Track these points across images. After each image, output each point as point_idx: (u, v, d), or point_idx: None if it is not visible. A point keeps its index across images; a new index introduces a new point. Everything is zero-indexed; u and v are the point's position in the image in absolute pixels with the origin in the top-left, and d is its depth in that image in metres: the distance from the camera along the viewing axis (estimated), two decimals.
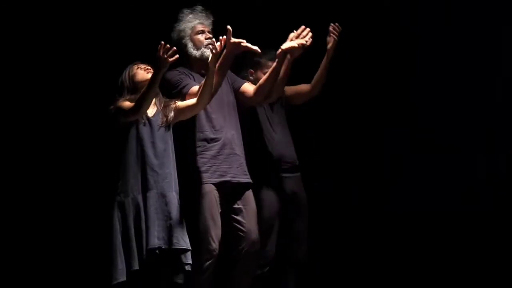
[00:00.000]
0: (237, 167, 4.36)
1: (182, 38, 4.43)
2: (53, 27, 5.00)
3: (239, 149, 4.41)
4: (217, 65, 4.13)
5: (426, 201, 5.33)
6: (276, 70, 4.35)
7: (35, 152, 4.97)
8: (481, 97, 5.30)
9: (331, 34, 4.63)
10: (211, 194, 4.27)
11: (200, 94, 4.17)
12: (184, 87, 4.31)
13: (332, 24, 4.63)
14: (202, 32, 4.44)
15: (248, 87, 4.50)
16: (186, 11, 4.46)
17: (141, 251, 3.99)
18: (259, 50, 4.16)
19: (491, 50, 5.26)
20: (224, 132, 4.35)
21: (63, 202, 4.96)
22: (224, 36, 4.10)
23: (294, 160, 4.73)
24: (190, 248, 4.07)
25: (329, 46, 4.65)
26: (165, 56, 3.96)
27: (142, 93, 4.05)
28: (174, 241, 4.04)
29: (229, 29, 4.12)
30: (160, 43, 3.95)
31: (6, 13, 4.93)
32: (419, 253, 5.33)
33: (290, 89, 4.83)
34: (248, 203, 4.38)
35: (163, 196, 4.09)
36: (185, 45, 4.42)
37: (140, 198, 4.06)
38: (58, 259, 4.90)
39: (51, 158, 4.98)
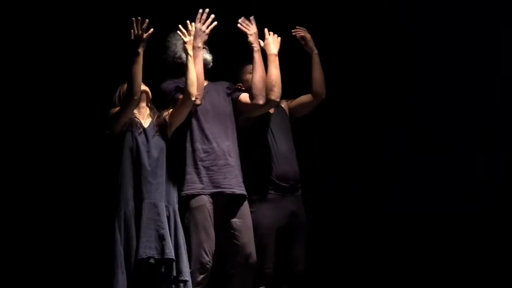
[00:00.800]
0: (233, 178, 4.35)
1: (175, 53, 4.46)
2: (48, 44, 5.02)
3: (234, 160, 4.39)
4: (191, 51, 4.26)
5: (426, 201, 5.32)
6: (257, 63, 4.42)
7: (34, 163, 4.97)
8: (481, 97, 5.30)
9: (298, 37, 4.76)
10: (204, 207, 4.27)
11: (185, 85, 4.22)
12: (177, 92, 4.35)
13: (292, 31, 4.75)
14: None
15: (245, 96, 4.51)
16: (172, 34, 4.49)
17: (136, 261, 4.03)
18: (215, 22, 4.33)
19: (491, 50, 5.26)
20: (217, 143, 4.35)
21: (63, 212, 4.95)
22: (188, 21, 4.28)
23: (296, 178, 4.65)
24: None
25: (306, 47, 4.78)
26: (140, 32, 4.02)
27: (128, 75, 4.07)
28: (167, 251, 4.06)
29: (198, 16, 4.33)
30: (132, 20, 4.04)
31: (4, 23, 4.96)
32: (419, 253, 5.33)
33: (291, 103, 4.84)
34: (243, 216, 4.37)
35: (155, 206, 4.10)
36: (180, 57, 4.44)
37: (136, 208, 4.09)
38: (58, 268, 4.90)
39: (50, 170, 4.98)
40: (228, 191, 4.32)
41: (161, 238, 4.05)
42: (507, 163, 5.19)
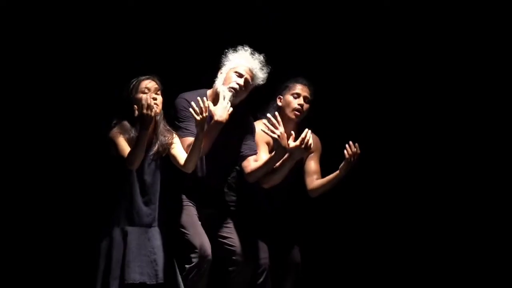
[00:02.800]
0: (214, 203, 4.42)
1: (224, 65, 4.36)
2: (50, 50, 4.98)
3: (221, 198, 4.44)
4: (204, 130, 4.07)
5: None
6: (273, 160, 4.26)
7: (28, 181, 4.95)
8: (481, 97, 5.32)
9: (345, 152, 4.45)
10: (187, 208, 4.30)
11: (188, 158, 4.12)
12: (183, 129, 4.26)
13: (350, 142, 4.46)
14: (240, 75, 4.31)
15: (248, 164, 4.38)
16: (249, 49, 4.37)
17: (122, 285, 4.04)
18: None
19: (491, 50, 5.27)
20: (208, 180, 4.32)
21: (53, 230, 4.94)
22: (206, 104, 4.06)
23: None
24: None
25: (341, 165, 4.49)
26: (149, 112, 3.96)
27: (133, 151, 4.02)
28: (160, 275, 4.10)
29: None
30: (141, 104, 3.96)
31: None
32: (418, 253, 5.36)
33: (309, 165, 4.66)
34: (230, 220, 4.43)
35: (146, 231, 4.13)
36: (221, 73, 4.35)
37: (125, 232, 4.09)
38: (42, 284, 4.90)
39: (44, 189, 4.95)
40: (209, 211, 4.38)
41: (153, 263, 4.10)
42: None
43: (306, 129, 4.25)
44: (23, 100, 4.94)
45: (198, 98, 4.05)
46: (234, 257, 4.36)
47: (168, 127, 4.23)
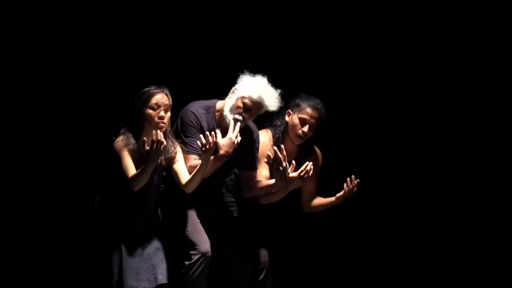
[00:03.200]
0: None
1: (237, 89, 4.29)
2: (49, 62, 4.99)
3: (221, 197, 4.49)
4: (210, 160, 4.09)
5: None
6: (271, 187, 4.37)
7: (28, 186, 4.97)
8: (480, 97, 5.32)
9: (344, 186, 4.53)
10: (187, 205, 4.34)
11: (190, 180, 4.11)
12: (187, 144, 4.24)
13: (353, 176, 4.52)
14: (248, 109, 4.26)
15: (247, 180, 4.44)
16: (265, 79, 4.30)
17: None
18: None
19: (491, 50, 5.27)
20: (207, 185, 4.29)
21: (51, 236, 4.96)
22: (216, 136, 4.06)
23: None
24: None
25: (339, 194, 4.57)
26: (158, 147, 3.92)
27: (138, 176, 3.99)
28: (160, 277, 4.15)
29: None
30: (152, 141, 3.91)
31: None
32: (418, 253, 5.36)
33: (309, 185, 4.67)
34: (229, 219, 4.48)
35: (141, 241, 4.15)
36: (231, 97, 4.30)
37: (120, 241, 4.11)
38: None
39: (43, 194, 4.97)
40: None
41: (150, 268, 4.14)
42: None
43: (307, 162, 4.31)
44: (23, 100, 4.96)
45: (207, 133, 4.02)
46: (234, 256, 4.42)
47: (173, 139, 4.20)
